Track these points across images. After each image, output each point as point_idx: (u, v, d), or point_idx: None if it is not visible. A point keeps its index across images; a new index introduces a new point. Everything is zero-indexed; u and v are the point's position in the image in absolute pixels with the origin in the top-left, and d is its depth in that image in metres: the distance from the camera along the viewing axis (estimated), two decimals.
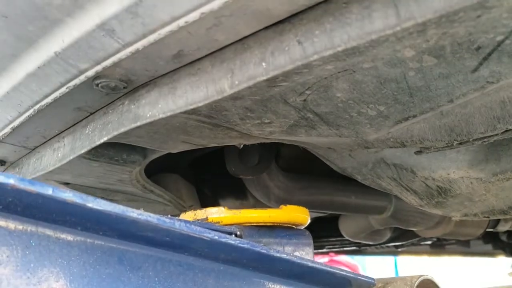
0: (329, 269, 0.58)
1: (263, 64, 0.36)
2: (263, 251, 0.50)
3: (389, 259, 3.64)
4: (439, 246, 1.91)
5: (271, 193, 0.94)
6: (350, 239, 1.39)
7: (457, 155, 0.61)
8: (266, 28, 0.36)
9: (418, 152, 0.55)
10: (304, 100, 0.44)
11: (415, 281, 0.63)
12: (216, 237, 0.46)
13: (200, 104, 0.40)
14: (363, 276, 0.63)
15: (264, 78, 0.36)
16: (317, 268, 0.57)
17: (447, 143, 0.50)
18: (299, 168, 0.99)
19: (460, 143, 0.50)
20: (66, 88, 0.43)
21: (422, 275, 0.65)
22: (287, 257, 0.52)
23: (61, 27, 0.38)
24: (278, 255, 0.51)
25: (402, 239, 1.54)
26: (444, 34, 0.36)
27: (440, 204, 0.67)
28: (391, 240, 1.51)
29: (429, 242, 1.86)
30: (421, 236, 1.40)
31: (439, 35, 0.36)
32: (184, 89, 0.41)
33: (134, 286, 0.44)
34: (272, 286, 0.57)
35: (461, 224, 1.21)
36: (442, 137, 0.50)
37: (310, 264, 0.56)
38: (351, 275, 0.61)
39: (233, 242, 0.47)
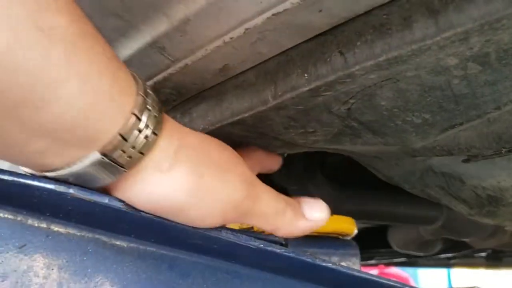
0: (376, 279, 0.58)
1: (306, 75, 0.37)
2: (308, 260, 0.50)
3: (442, 271, 3.54)
4: (496, 259, 1.84)
5: None
6: (399, 250, 1.36)
7: (508, 163, 0.60)
8: (309, 40, 0.38)
9: (466, 161, 0.54)
10: (348, 109, 0.44)
11: None
12: (262, 246, 0.47)
13: (245, 115, 0.41)
14: (412, 286, 0.62)
15: (307, 88, 0.37)
16: (364, 277, 0.57)
17: (495, 151, 0.49)
18: (345, 178, 0.98)
19: (509, 151, 0.49)
20: None
21: (474, 287, 0.63)
22: (333, 266, 0.53)
23: (115, 46, 0.41)
24: (323, 264, 0.52)
25: (454, 250, 1.50)
26: (488, 42, 0.36)
27: (491, 214, 0.65)
28: (443, 251, 1.47)
29: (483, 254, 1.79)
30: (474, 247, 1.36)
31: (483, 42, 0.36)
32: (230, 101, 0.43)
33: None
34: None
35: None
36: (490, 144, 0.49)
37: (356, 273, 0.55)
38: (399, 286, 0.60)
39: (278, 251, 0.48)
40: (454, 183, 0.62)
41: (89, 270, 0.41)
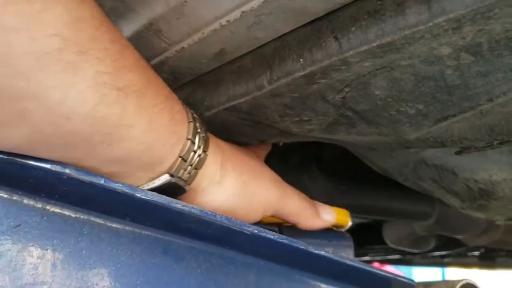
0: (368, 268, 0.58)
1: (301, 60, 0.37)
2: (301, 247, 0.51)
3: (437, 271, 3.55)
4: (489, 258, 1.84)
5: (313, 197, 0.95)
6: (393, 247, 1.37)
7: (500, 156, 0.60)
8: (304, 25, 0.38)
9: (458, 152, 0.55)
10: (343, 98, 0.45)
11: (457, 285, 0.63)
12: (256, 231, 0.47)
13: (241, 100, 0.42)
14: (404, 277, 0.63)
15: (302, 73, 0.37)
16: (357, 267, 0.57)
17: (487, 143, 0.50)
18: (340, 172, 0.99)
19: (501, 143, 0.50)
20: None
21: (465, 279, 0.64)
22: (326, 254, 0.53)
23: None
24: (316, 251, 0.52)
25: (448, 248, 1.51)
26: (480, 31, 0.36)
27: (483, 207, 0.66)
28: (436, 248, 1.48)
29: (477, 253, 1.80)
30: (467, 245, 1.37)
31: (475, 32, 0.36)
32: (227, 86, 0.44)
33: (178, 276, 0.46)
34: (312, 283, 0.58)
35: (510, 232, 1.18)
36: (482, 136, 0.50)
37: (349, 262, 0.56)
38: (392, 276, 0.61)
39: (272, 237, 0.49)
40: (446, 176, 0.63)
41: (83, 251, 0.41)
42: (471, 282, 0.64)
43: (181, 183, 0.43)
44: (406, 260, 1.97)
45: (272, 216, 0.54)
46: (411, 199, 1.03)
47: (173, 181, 0.42)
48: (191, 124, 0.42)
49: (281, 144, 0.59)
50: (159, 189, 0.42)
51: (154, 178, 0.42)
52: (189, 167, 0.42)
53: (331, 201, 0.94)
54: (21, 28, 0.28)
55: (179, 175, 0.42)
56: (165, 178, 0.42)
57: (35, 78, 0.30)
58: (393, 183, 0.95)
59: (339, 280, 0.60)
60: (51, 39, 0.30)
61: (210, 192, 0.47)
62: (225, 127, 0.53)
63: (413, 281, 0.64)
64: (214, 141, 0.47)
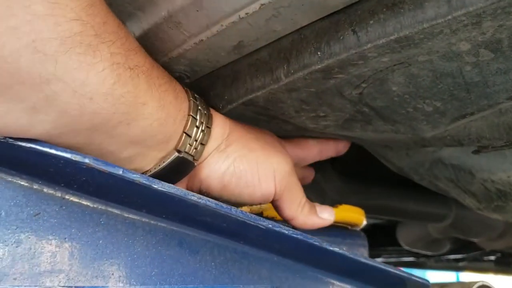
0: (383, 267, 0.58)
1: (319, 53, 0.37)
2: (315, 243, 0.51)
3: (451, 275, 3.51)
4: (505, 264, 1.82)
5: (326, 196, 0.95)
6: (407, 249, 1.36)
7: None
8: (322, 18, 0.38)
9: (476, 152, 0.54)
10: (360, 94, 0.45)
11: (473, 286, 0.62)
12: (271, 226, 0.47)
13: (258, 93, 0.42)
14: (418, 277, 0.62)
15: (319, 66, 0.37)
16: (371, 265, 0.57)
17: (505, 142, 0.49)
18: (355, 172, 0.99)
19: None
20: None
21: (481, 281, 0.63)
22: (340, 251, 0.53)
23: (133, 20, 0.41)
24: (330, 248, 0.52)
25: (463, 251, 1.49)
26: (501, 27, 0.36)
27: (500, 208, 0.65)
28: (451, 252, 1.46)
29: (492, 258, 1.78)
30: (483, 249, 1.35)
31: (495, 27, 0.36)
32: (244, 80, 0.44)
33: (192, 269, 0.46)
34: (325, 281, 0.58)
35: None
36: (500, 135, 0.49)
37: (363, 260, 0.56)
38: (406, 275, 0.61)
39: (286, 232, 0.49)
40: (463, 176, 0.62)
41: (100, 241, 0.42)
42: (487, 284, 0.63)
43: (189, 158, 0.45)
44: (420, 263, 1.95)
45: (278, 197, 0.52)
46: (427, 200, 1.02)
47: (181, 156, 0.44)
48: (192, 102, 0.45)
49: None
50: (170, 168, 0.45)
51: (164, 158, 0.44)
52: (195, 142, 0.45)
53: (345, 201, 0.94)
54: (48, 14, 0.30)
55: (186, 150, 0.44)
56: (173, 155, 0.44)
57: (61, 61, 0.32)
58: (408, 184, 0.94)
59: (353, 278, 0.60)
60: (72, 23, 0.32)
61: (214, 159, 0.48)
62: (242, 121, 0.53)
63: (427, 281, 0.63)
64: (221, 119, 0.49)
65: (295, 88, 0.43)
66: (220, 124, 0.49)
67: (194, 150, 0.45)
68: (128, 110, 0.38)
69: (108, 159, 0.40)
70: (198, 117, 0.45)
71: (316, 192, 0.96)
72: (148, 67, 0.39)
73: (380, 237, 1.43)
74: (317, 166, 0.87)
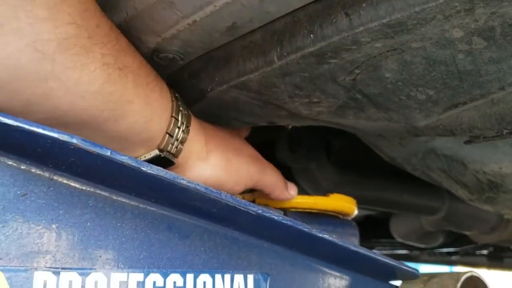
0: (372, 255, 0.58)
1: (311, 36, 0.37)
2: (305, 229, 0.51)
3: (444, 269, 3.53)
4: (497, 259, 1.83)
5: (320, 186, 0.95)
6: (401, 241, 1.37)
7: (511, 149, 0.60)
8: (316, 1, 0.38)
9: (467, 142, 0.54)
10: (353, 80, 0.45)
11: (462, 277, 0.62)
12: (260, 211, 0.47)
13: (251, 76, 0.42)
14: (407, 266, 0.62)
15: (312, 49, 0.37)
16: (361, 253, 0.57)
17: (496, 132, 0.49)
18: (349, 163, 0.99)
19: (511, 133, 0.49)
20: None
21: (470, 271, 0.63)
22: (329, 238, 0.53)
23: (126, 0, 0.41)
24: (319, 235, 0.52)
25: (456, 245, 1.50)
26: (493, 14, 0.36)
27: (491, 200, 0.65)
28: (444, 245, 1.47)
29: (485, 252, 1.79)
30: (475, 242, 1.36)
31: (488, 15, 0.36)
32: (237, 62, 0.44)
33: (181, 253, 0.46)
34: (315, 268, 0.58)
35: None
36: (492, 125, 0.49)
37: (353, 248, 0.56)
38: (395, 264, 0.61)
39: (276, 218, 0.49)
40: (456, 167, 0.62)
41: (88, 223, 0.41)
42: (476, 274, 0.64)
43: (170, 156, 0.48)
44: (413, 256, 1.96)
45: (252, 187, 0.59)
46: (420, 193, 1.02)
47: (163, 155, 0.47)
48: (174, 102, 0.47)
49: (290, 127, 0.59)
50: (149, 162, 0.46)
51: (146, 154, 0.47)
52: (176, 141, 0.47)
53: (338, 191, 0.94)
54: (48, 18, 0.34)
55: (168, 149, 0.47)
56: (155, 152, 0.47)
57: (58, 61, 0.35)
58: (402, 176, 0.94)
59: (343, 266, 0.60)
60: (69, 26, 0.35)
61: (197, 167, 0.52)
62: (236, 106, 0.53)
63: (417, 270, 0.63)
64: (196, 120, 0.52)
65: (288, 72, 0.43)
66: (197, 125, 0.52)
67: (175, 149, 0.48)
68: (115, 107, 0.40)
69: None
70: (180, 118, 0.47)
71: (310, 182, 0.96)
72: (137, 67, 0.42)
73: (373, 229, 1.43)
74: (311, 154, 0.88)
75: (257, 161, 0.59)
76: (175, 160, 0.49)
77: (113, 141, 0.43)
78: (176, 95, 0.48)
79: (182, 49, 0.44)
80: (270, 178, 0.60)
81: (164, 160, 0.48)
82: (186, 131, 0.49)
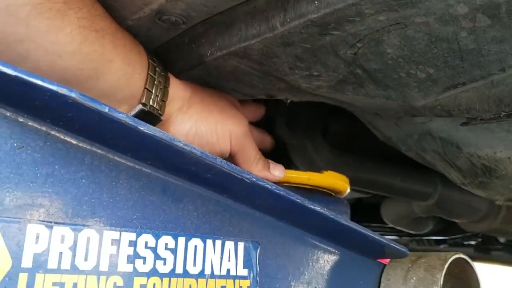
0: (362, 230, 0.59)
1: (316, 2, 0.37)
2: (297, 200, 0.51)
3: None
4: (484, 251, 1.84)
5: (315, 164, 0.95)
6: (391, 226, 1.38)
7: (507, 134, 0.60)
8: None
9: (464, 124, 0.55)
10: (355, 54, 0.44)
11: (450, 257, 0.63)
12: (255, 179, 0.48)
13: (252, 42, 0.42)
14: (396, 244, 0.63)
15: (315, 16, 0.37)
16: (351, 227, 0.58)
17: (494, 114, 0.50)
18: (345, 145, 0.99)
19: (508, 115, 0.49)
20: (131, 21, 0.46)
21: (457, 253, 0.64)
22: (320, 210, 0.54)
23: None
24: (311, 206, 0.53)
25: (445, 233, 1.51)
26: None
27: (484, 185, 0.66)
28: (433, 233, 1.48)
29: (473, 243, 1.80)
30: (465, 231, 1.37)
31: None
32: (239, 27, 0.44)
33: (174, 216, 0.47)
34: (305, 240, 0.58)
35: (509, 221, 1.18)
36: (489, 107, 0.50)
37: (343, 221, 0.57)
38: (385, 241, 0.62)
39: (269, 187, 0.49)
40: (450, 149, 0.63)
41: (83, 180, 0.42)
42: (463, 256, 0.64)
43: (154, 111, 0.51)
44: (402, 243, 1.97)
45: (236, 153, 0.59)
46: (414, 178, 1.03)
47: (147, 109, 0.50)
48: (151, 62, 0.50)
49: (288, 102, 0.59)
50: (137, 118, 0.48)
51: (131, 111, 0.50)
52: (156, 97, 0.50)
53: (333, 171, 0.95)
54: None
55: (150, 103, 0.50)
56: (139, 107, 0.50)
57: (32, 24, 0.38)
58: (396, 161, 0.95)
59: (333, 241, 0.61)
60: None
61: (178, 120, 0.54)
62: (235, 76, 0.53)
63: (406, 249, 0.64)
64: (181, 82, 0.55)
65: (290, 42, 0.43)
66: (181, 87, 0.54)
67: (158, 105, 0.51)
68: (96, 66, 0.44)
69: None
70: (156, 76, 0.50)
71: (306, 161, 0.96)
72: (113, 30, 0.45)
73: (364, 212, 1.44)
74: (308, 132, 0.88)
75: (244, 124, 0.59)
76: (161, 116, 0.51)
77: (99, 99, 0.44)
78: (154, 58, 0.51)
79: (185, 12, 0.43)
80: (253, 150, 0.60)
81: (150, 116, 0.50)
82: (166, 91, 0.51)
